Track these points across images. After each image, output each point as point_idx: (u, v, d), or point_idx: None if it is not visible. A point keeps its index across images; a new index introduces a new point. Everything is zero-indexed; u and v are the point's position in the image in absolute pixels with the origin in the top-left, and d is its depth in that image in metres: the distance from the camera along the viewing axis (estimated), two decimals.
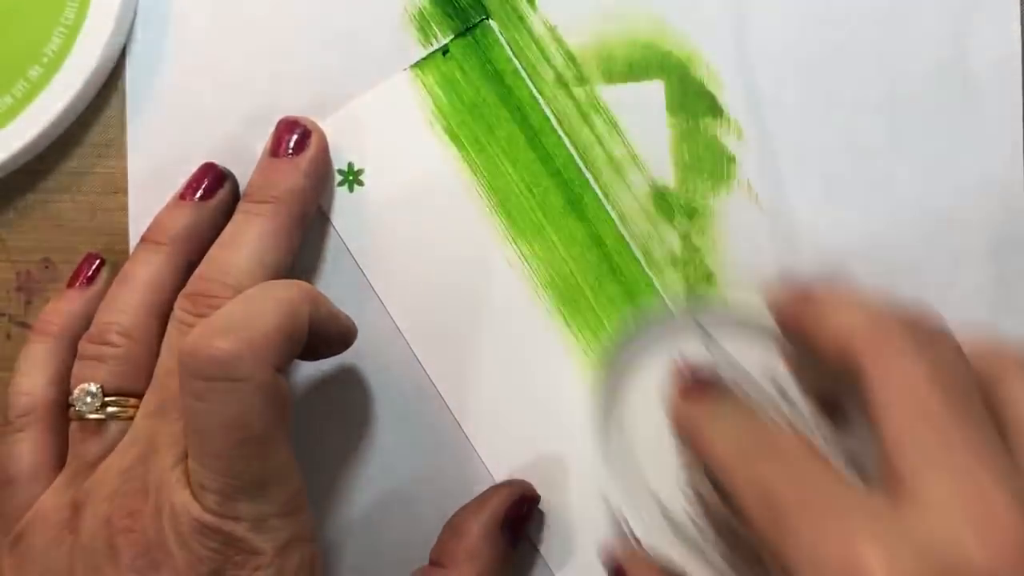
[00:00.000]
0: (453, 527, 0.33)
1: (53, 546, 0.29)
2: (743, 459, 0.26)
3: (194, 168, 0.33)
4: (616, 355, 0.31)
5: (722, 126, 0.34)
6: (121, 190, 0.35)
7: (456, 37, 0.34)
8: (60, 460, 0.31)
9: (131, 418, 0.30)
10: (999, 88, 0.34)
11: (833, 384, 0.27)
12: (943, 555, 0.21)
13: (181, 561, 0.26)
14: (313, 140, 0.33)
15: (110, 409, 0.30)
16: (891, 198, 0.34)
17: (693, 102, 0.34)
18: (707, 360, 0.30)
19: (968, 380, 0.24)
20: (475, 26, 0.34)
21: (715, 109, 0.34)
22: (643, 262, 0.34)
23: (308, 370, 0.34)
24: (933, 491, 0.22)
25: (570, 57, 0.34)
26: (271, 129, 0.34)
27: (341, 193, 0.34)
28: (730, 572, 0.29)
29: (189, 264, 0.32)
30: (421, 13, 0.34)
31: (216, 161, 0.34)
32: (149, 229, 0.33)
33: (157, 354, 0.31)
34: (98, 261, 0.34)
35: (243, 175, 0.33)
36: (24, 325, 0.35)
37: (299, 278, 0.34)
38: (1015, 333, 0.34)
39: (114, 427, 0.30)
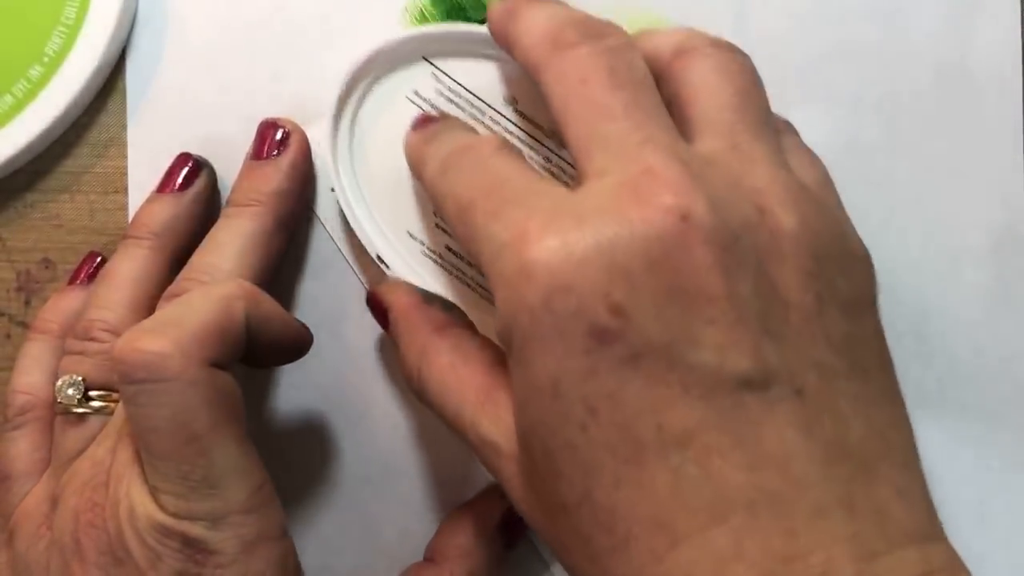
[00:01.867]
0: (449, 524, 0.33)
1: (33, 542, 0.29)
2: (442, 170, 0.27)
3: None
4: (348, 91, 0.31)
5: None
6: (121, 190, 0.34)
7: None
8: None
9: (111, 413, 0.30)
10: (999, 88, 0.34)
11: None
12: (605, 222, 0.22)
13: (142, 560, 0.26)
14: (293, 141, 0.33)
15: (94, 403, 0.30)
16: (890, 197, 0.34)
17: None
18: (440, 90, 0.31)
19: (635, 65, 0.25)
20: None
21: None
22: None
23: (309, 369, 0.34)
24: (602, 170, 0.23)
25: None
26: None
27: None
28: (486, 291, 0.31)
29: (172, 257, 0.32)
30: (422, 13, 0.34)
31: (214, 160, 0.34)
32: (131, 225, 0.33)
33: None
34: (99, 260, 0.34)
35: None
36: (24, 325, 0.34)
37: (296, 279, 0.34)
38: (1015, 333, 0.34)
39: (96, 421, 0.30)
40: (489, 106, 0.31)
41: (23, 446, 0.31)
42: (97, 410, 0.30)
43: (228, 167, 0.34)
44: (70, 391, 0.30)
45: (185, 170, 0.33)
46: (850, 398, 0.22)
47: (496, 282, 0.23)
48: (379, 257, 0.31)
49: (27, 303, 0.35)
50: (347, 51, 0.34)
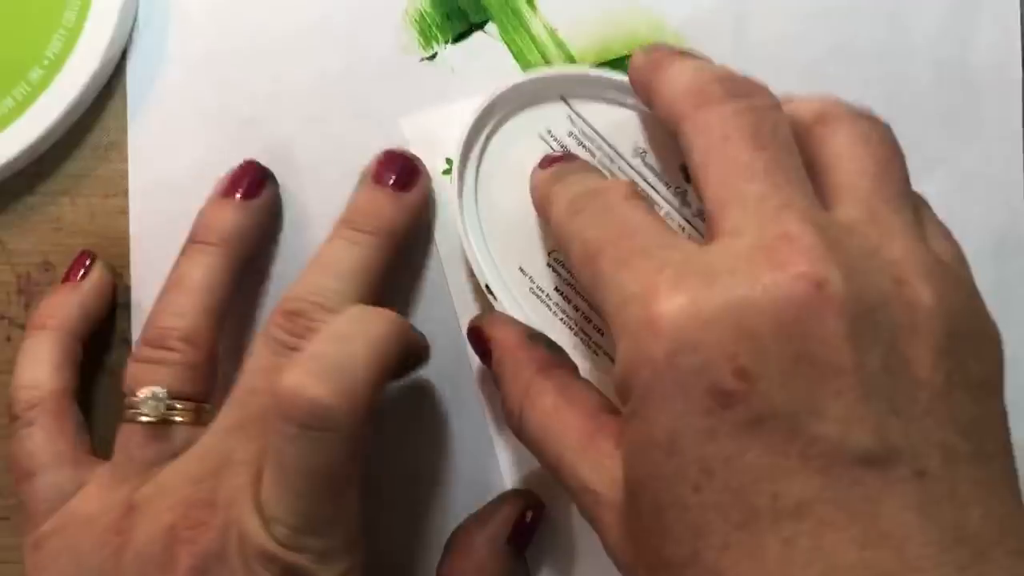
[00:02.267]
0: (459, 544, 0.33)
1: (96, 547, 0.28)
2: (571, 212, 0.27)
3: (196, 171, 0.33)
4: (482, 122, 0.31)
5: None
6: (121, 192, 0.34)
7: (456, 39, 0.34)
8: (75, 448, 0.31)
9: (188, 423, 0.30)
10: (999, 87, 0.34)
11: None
12: (737, 283, 0.22)
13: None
14: (422, 180, 0.33)
15: (172, 416, 0.30)
16: None
17: None
18: (573, 132, 0.31)
19: (779, 127, 0.25)
20: (475, 28, 0.34)
21: None
22: None
23: None
24: (736, 229, 0.23)
25: (571, 59, 0.34)
26: (273, 131, 0.34)
27: (442, 182, 0.34)
28: (587, 336, 0.31)
29: (239, 266, 0.32)
30: (421, 15, 0.34)
31: (217, 163, 0.33)
32: (197, 229, 0.32)
33: (215, 358, 0.31)
34: (90, 259, 0.34)
35: None
36: (24, 328, 0.34)
37: None
38: (1017, 336, 0.34)
39: (171, 432, 0.30)
40: (618, 154, 0.31)
41: (41, 441, 0.31)
42: (170, 419, 0.30)
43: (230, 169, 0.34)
44: (153, 403, 0.30)
45: (250, 178, 0.33)
46: (971, 483, 0.22)
47: (620, 332, 0.23)
48: (488, 287, 0.31)
49: (27, 306, 0.35)
50: (347, 54, 0.34)
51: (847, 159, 0.25)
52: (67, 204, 0.35)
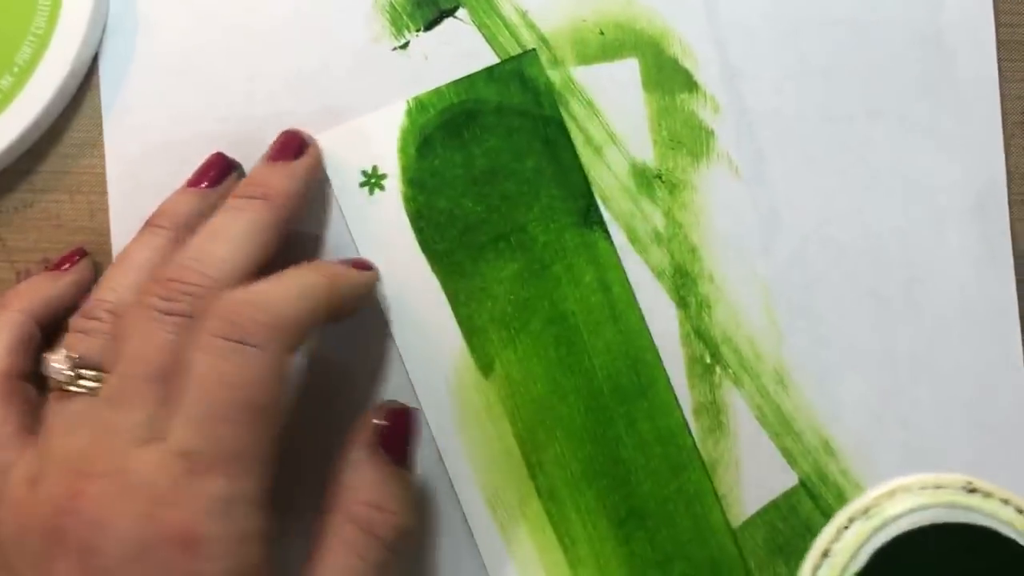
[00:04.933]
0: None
1: (12, 526, 0.28)
2: None
3: (174, 171, 0.33)
4: None
5: (699, 101, 0.34)
6: None
7: (427, 27, 0.34)
8: (19, 429, 0.30)
9: (89, 395, 0.29)
10: (973, 47, 0.34)
11: None
12: None
13: (128, 543, 0.26)
14: (310, 149, 0.33)
15: (86, 383, 0.29)
16: (871, 163, 0.34)
17: (668, 79, 0.34)
18: None
19: None
20: (446, 14, 0.34)
21: (691, 84, 0.34)
22: (630, 244, 0.34)
23: None
24: None
25: (543, 40, 0.34)
26: (249, 128, 0.34)
27: (361, 194, 0.34)
28: None
29: None
30: (391, 4, 0.34)
31: (195, 161, 0.34)
32: (154, 215, 0.33)
33: None
34: (80, 255, 0.34)
35: None
36: None
37: None
38: (1001, 292, 0.34)
39: (71, 401, 0.29)
40: None
41: None
42: (89, 390, 0.29)
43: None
44: (55, 366, 0.29)
45: (214, 170, 0.33)
46: None
47: None
48: None
49: None
50: (319, 47, 0.34)
51: None
52: (66, 201, 0.35)
